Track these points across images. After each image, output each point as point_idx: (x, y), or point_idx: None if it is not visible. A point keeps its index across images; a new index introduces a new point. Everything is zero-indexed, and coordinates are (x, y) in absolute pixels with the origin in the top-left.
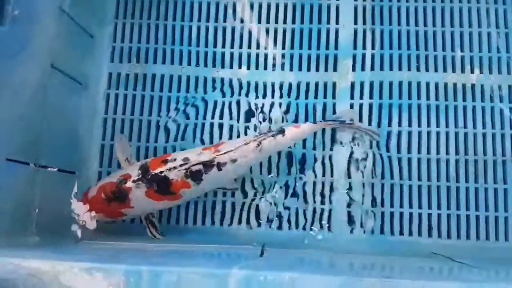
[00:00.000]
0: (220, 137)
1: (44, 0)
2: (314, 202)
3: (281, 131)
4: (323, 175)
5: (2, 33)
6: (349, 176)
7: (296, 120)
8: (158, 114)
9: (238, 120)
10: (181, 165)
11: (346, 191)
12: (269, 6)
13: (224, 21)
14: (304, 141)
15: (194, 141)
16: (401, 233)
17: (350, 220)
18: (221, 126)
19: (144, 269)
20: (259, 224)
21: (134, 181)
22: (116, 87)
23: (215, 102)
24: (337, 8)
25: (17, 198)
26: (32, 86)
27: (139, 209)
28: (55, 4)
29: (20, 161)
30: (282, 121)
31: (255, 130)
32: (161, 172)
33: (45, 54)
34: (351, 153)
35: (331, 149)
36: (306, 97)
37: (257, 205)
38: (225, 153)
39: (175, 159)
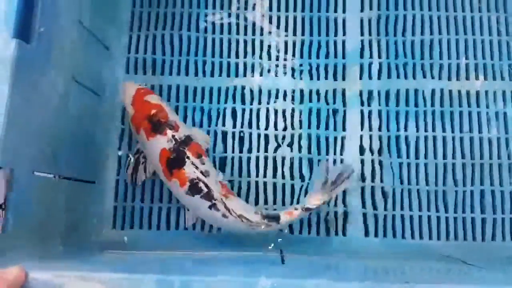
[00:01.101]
0: (233, 146)
1: (66, 15)
2: (328, 205)
3: (276, 218)
4: None
5: (30, 50)
6: (363, 180)
7: (309, 126)
8: None
9: (250, 127)
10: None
11: (360, 194)
12: (279, 18)
13: (237, 33)
14: (318, 145)
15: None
16: (412, 236)
17: (364, 224)
18: (233, 134)
19: (175, 279)
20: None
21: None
22: None
23: (230, 111)
24: (344, 20)
25: (44, 210)
26: (56, 97)
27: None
28: (76, 18)
29: (46, 173)
30: (293, 128)
31: (266, 139)
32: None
33: (67, 66)
34: (363, 158)
35: (341, 154)
36: (318, 102)
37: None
38: (225, 207)
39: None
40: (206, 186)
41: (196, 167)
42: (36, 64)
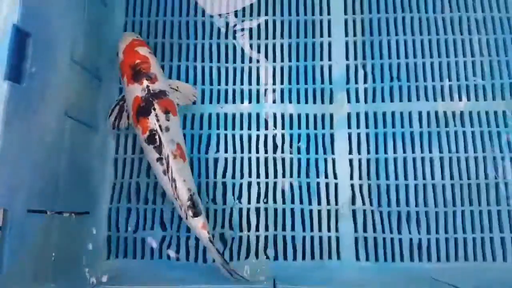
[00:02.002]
0: (225, 171)
1: (58, 53)
2: (320, 230)
3: (195, 213)
4: (328, 203)
5: (22, 90)
6: (353, 203)
7: (298, 151)
8: None
9: (241, 152)
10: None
11: (351, 218)
12: (266, 45)
13: (226, 61)
14: (307, 170)
15: (199, 176)
16: (402, 259)
17: (356, 248)
18: (226, 159)
19: None
20: (267, 257)
21: None
22: (126, 128)
23: (220, 137)
24: (329, 45)
25: (37, 247)
26: (49, 134)
27: None
28: (68, 55)
29: (40, 210)
30: (282, 152)
31: (257, 164)
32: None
33: (59, 102)
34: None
35: (335, 178)
36: (307, 128)
37: (265, 237)
38: (168, 164)
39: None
40: (160, 139)
41: (158, 120)
42: (29, 103)
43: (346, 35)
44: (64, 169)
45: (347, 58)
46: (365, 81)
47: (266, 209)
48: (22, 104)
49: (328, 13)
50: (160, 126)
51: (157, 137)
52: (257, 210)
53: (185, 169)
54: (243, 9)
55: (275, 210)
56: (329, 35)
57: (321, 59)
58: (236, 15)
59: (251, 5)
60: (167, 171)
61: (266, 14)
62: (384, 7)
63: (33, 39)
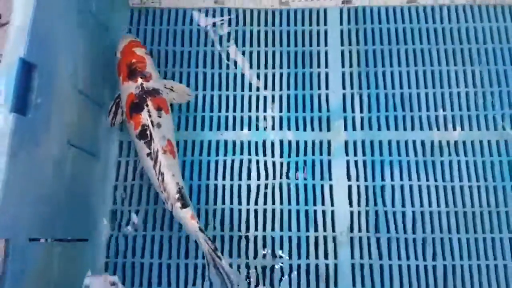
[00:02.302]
0: (223, 197)
1: (62, 83)
2: (317, 258)
3: (183, 204)
4: (325, 230)
5: (27, 121)
6: (351, 230)
7: (297, 177)
8: None
9: (239, 179)
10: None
11: (349, 245)
12: (266, 75)
13: (227, 89)
14: (305, 196)
15: (198, 203)
16: (401, 286)
17: (353, 275)
18: (224, 187)
19: None
20: (264, 284)
21: None
22: (127, 154)
23: (219, 163)
24: (327, 75)
25: (38, 274)
26: (52, 164)
27: None
28: (71, 84)
29: (41, 238)
30: (281, 178)
31: (256, 191)
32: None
33: (63, 132)
34: (350, 210)
35: (332, 205)
36: (305, 154)
37: (263, 265)
38: (156, 158)
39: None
40: (150, 135)
41: (150, 116)
42: (33, 133)
43: (343, 65)
44: (65, 196)
45: (343, 88)
46: (361, 110)
47: (264, 237)
48: (26, 135)
49: (326, 45)
50: (152, 122)
51: (148, 132)
52: (255, 237)
53: (175, 165)
54: (244, 39)
55: (272, 238)
56: (326, 66)
57: (319, 88)
58: (237, 45)
59: (252, 36)
60: (155, 165)
61: (266, 45)
62: (379, 39)
63: (38, 70)
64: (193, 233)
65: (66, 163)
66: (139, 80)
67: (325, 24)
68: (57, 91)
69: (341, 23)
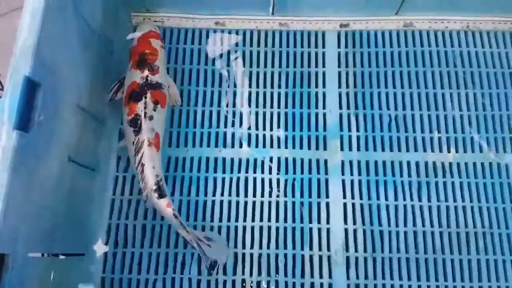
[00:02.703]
0: (221, 214)
1: (65, 100)
2: (312, 277)
3: (160, 195)
4: (320, 248)
5: (29, 138)
6: (346, 249)
7: (293, 195)
8: None
9: (237, 195)
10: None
11: (344, 265)
12: (265, 94)
13: (227, 106)
14: (301, 214)
15: (195, 219)
16: None
17: None
18: (221, 203)
19: None
20: None
21: None
22: (124, 169)
23: (218, 180)
24: (324, 95)
25: None
26: (52, 179)
27: None
28: (74, 102)
29: (40, 252)
30: (278, 196)
31: (253, 208)
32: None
33: (63, 148)
34: (346, 227)
35: (328, 223)
36: (302, 173)
37: (258, 282)
38: (139, 148)
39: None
40: (140, 125)
41: (145, 107)
42: (35, 150)
43: (340, 86)
44: (64, 211)
45: (340, 108)
46: (358, 130)
47: (260, 255)
48: (28, 152)
49: (323, 66)
50: (145, 113)
51: (139, 122)
52: (251, 255)
53: (156, 157)
54: (244, 59)
55: (268, 255)
56: (324, 86)
57: (316, 108)
58: (237, 65)
59: (252, 56)
60: (136, 154)
61: (265, 65)
62: (375, 62)
63: (42, 89)
64: (169, 219)
65: (66, 179)
66: (146, 72)
67: (323, 46)
68: (60, 109)
69: (338, 46)
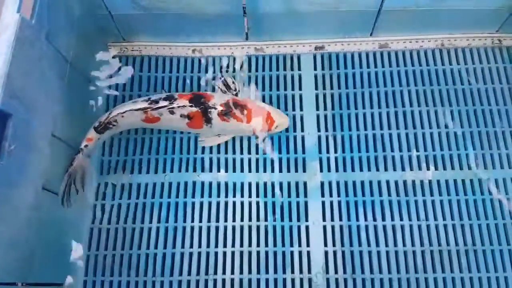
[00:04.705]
0: (199, 240)
1: (38, 130)
2: None
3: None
4: (301, 271)
5: (0, 167)
6: (327, 271)
7: (274, 218)
8: (141, 221)
9: (217, 220)
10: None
11: (325, 287)
12: None
13: None
14: (283, 237)
15: (174, 247)
16: None
17: None
18: (200, 228)
19: None
20: None
21: None
22: (103, 197)
23: (196, 205)
24: (302, 117)
25: None
26: (27, 209)
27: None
28: (48, 132)
29: (11, 283)
30: (258, 220)
31: (233, 232)
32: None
33: (38, 177)
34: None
35: (308, 245)
36: (282, 196)
37: None
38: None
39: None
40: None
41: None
42: (7, 179)
43: (317, 108)
44: (39, 240)
45: (318, 130)
46: (336, 151)
47: (241, 280)
48: (0, 181)
49: (300, 89)
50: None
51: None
52: (232, 280)
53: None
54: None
55: (249, 280)
56: (301, 109)
57: (294, 131)
58: (214, 90)
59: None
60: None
61: (242, 90)
62: (351, 83)
63: (13, 120)
64: None
65: (42, 208)
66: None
67: (299, 69)
68: (33, 138)
69: (314, 68)
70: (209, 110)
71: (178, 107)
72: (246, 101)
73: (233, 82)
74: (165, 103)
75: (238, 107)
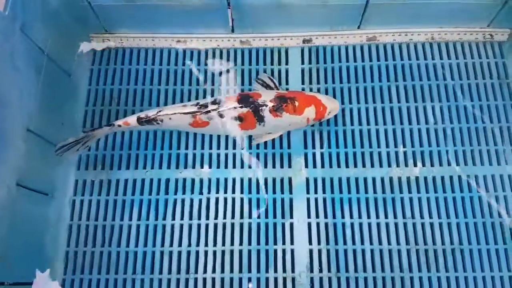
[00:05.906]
0: (180, 238)
1: (12, 125)
2: None
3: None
4: (284, 270)
5: None
6: (311, 270)
7: (258, 215)
8: (121, 218)
9: (199, 218)
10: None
11: (309, 286)
12: None
13: None
14: (267, 235)
15: (154, 245)
16: None
17: None
18: (182, 226)
19: None
20: None
21: None
22: (82, 193)
23: (178, 202)
24: None
25: None
26: (0, 204)
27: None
28: (23, 126)
29: None
30: (242, 217)
31: (215, 230)
32: None
33: (13, 172)
34: (310, 248)
35: (292, 243)
36: (266, 192)
37: None
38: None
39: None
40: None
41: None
42: None
43: None
44: (15, 238)
45: None
46: (321, 147)
47: (222, 279)
48: None
49: (287, 83)
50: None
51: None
52: (213, 280)
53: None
54: (206, 77)
55: (231, 279)
56: None
57: None
58: (198, 84)
59: (214, 74)
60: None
61: (228, 83)
62: (339, 77)
63: None
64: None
65: (16, 205)
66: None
67: (287, 63)
68: (6, 133)
69: (302, 62)
70: (260, 108)
71: (228, 109)
72: (294, 93)
73: (269, 79)
74: (214, 106)
75: (288, 100)
